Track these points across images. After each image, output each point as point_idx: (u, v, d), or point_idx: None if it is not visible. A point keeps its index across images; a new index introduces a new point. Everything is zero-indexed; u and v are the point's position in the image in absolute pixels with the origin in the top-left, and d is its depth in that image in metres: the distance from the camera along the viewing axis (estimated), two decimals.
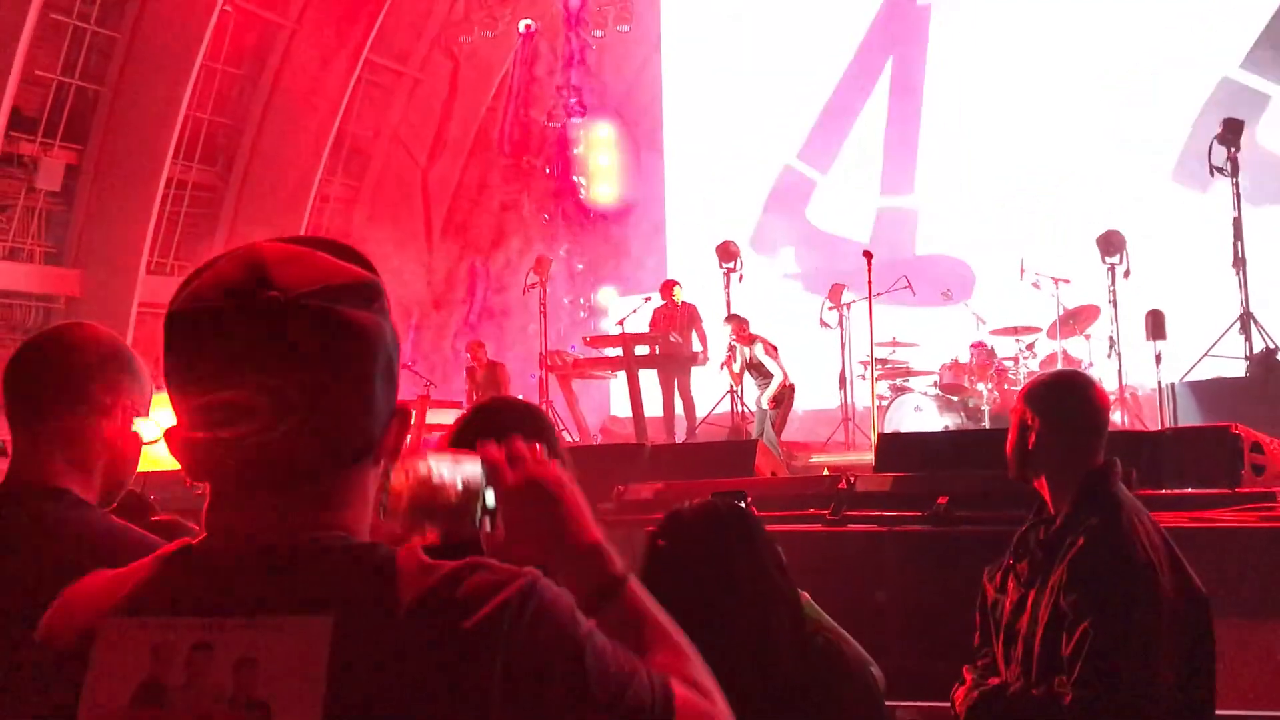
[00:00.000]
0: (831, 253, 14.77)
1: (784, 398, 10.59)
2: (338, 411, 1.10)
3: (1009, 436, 2.82)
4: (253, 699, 1.04)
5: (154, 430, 1.93)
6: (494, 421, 2.53)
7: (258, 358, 1.07)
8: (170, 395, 1.11)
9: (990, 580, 2.84)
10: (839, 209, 15.32)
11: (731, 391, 11.38)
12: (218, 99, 16.01)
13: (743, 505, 2.36)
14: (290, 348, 1.07)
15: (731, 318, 10.98)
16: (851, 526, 4.89)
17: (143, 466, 2.03)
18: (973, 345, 10.70)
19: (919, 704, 3.22)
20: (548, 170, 17.11)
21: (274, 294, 1.07)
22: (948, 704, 2.83)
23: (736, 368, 10.90)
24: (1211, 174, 9.44)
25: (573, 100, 16.61)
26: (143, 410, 1.96)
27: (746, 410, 11.07)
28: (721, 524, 2.23)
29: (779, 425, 10.51)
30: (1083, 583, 2.54)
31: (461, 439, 2.53)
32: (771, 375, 10.59)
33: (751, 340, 10.74)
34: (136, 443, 1.95)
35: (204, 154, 16.15)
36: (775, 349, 10.76)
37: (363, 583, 1.09)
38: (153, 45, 14.55)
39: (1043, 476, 2.79)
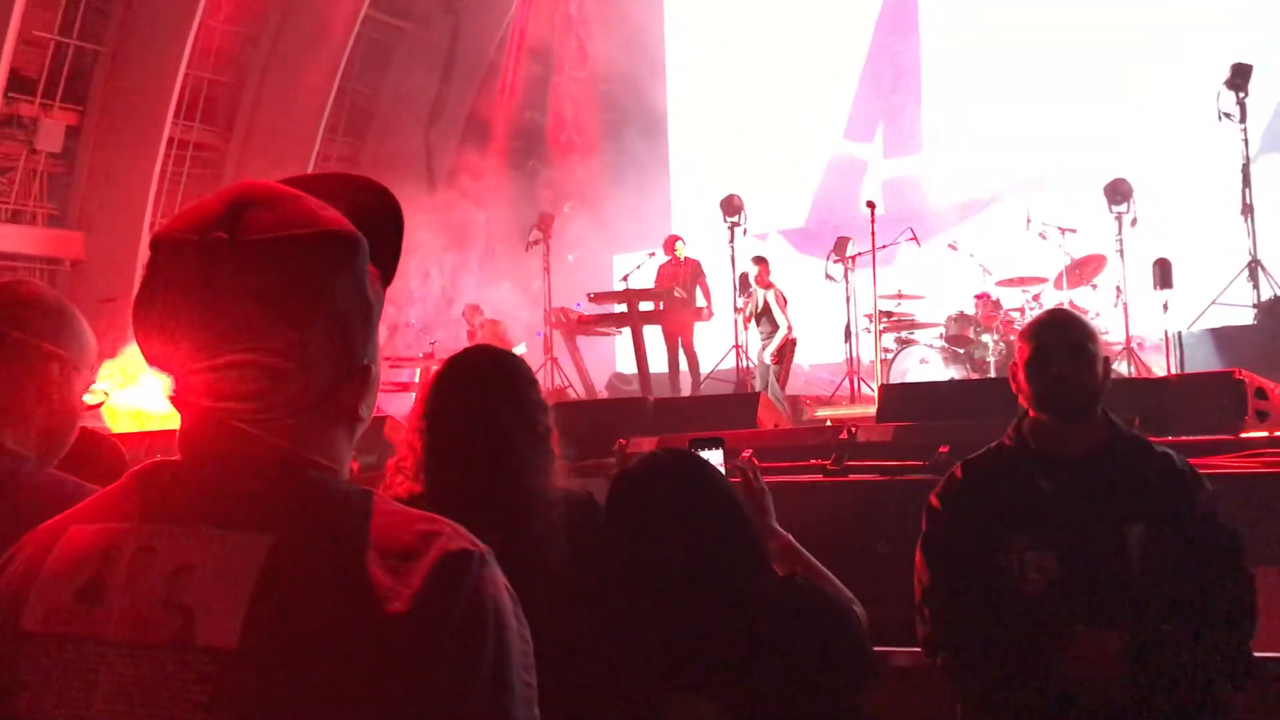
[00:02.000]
0: (837, 210, 14.69)
1: (786, 352, 10.59)
2: (270, 358, 1.10)
3: (1081, 372, 2.64)
4: (181, 604, 1.06)
5: (98, 393, 1.92)
6: (471, 375, 2.51)
7: (197, 294, 1.09)
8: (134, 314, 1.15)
9: (1003, 547, 2.62)
10: (841, 169, 15.20)
11: (736, 346, 11.36)
12: (217, 58, 15.92)
13: (695, 452, 2.32)
14: (223, 289, 1.08)
15: (758, 258, 10.99)
16: (853, 476, 4.87)
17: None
18: (977, 296, 10.63)
19: (917, 650, 3.22)
20: (551, 126, 16.99)
21: (221, 235, 1.09)
22: None
23: (748, 312, 10.92)
24: (1220, 119, 9.34)
25: (575, 54, 16.46)
26: (85, 370, 1.95)
27: (751, 364, 11.05)
28: (665, 475, 2.19)
29: (782, 379, 10.51)
30: (1212, 518, 2.57)
31: (440, 391, 2.51)
32: (777, 326, 10.60)
33: (769, 286, 10.78)
34: (74, 400, 1.94)
35: (205, 114, 16.07)
36: (785, 301, 10.77)
37: (313, 512, 1.11)
38: (151, 4, 14.45)
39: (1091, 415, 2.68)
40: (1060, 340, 2.66)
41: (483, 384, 2.47)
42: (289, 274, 1.10)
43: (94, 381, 1.96)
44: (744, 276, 10.96)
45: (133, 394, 13.01)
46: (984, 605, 2.61)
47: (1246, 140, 9.19)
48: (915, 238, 11.12)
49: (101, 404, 1.94)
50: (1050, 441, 2.68)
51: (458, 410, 2.44)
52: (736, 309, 11.17)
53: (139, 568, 1.09)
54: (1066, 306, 9.92)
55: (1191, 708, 2.48)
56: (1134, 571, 2.51)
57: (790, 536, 2.44)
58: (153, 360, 1.13)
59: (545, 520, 2.36)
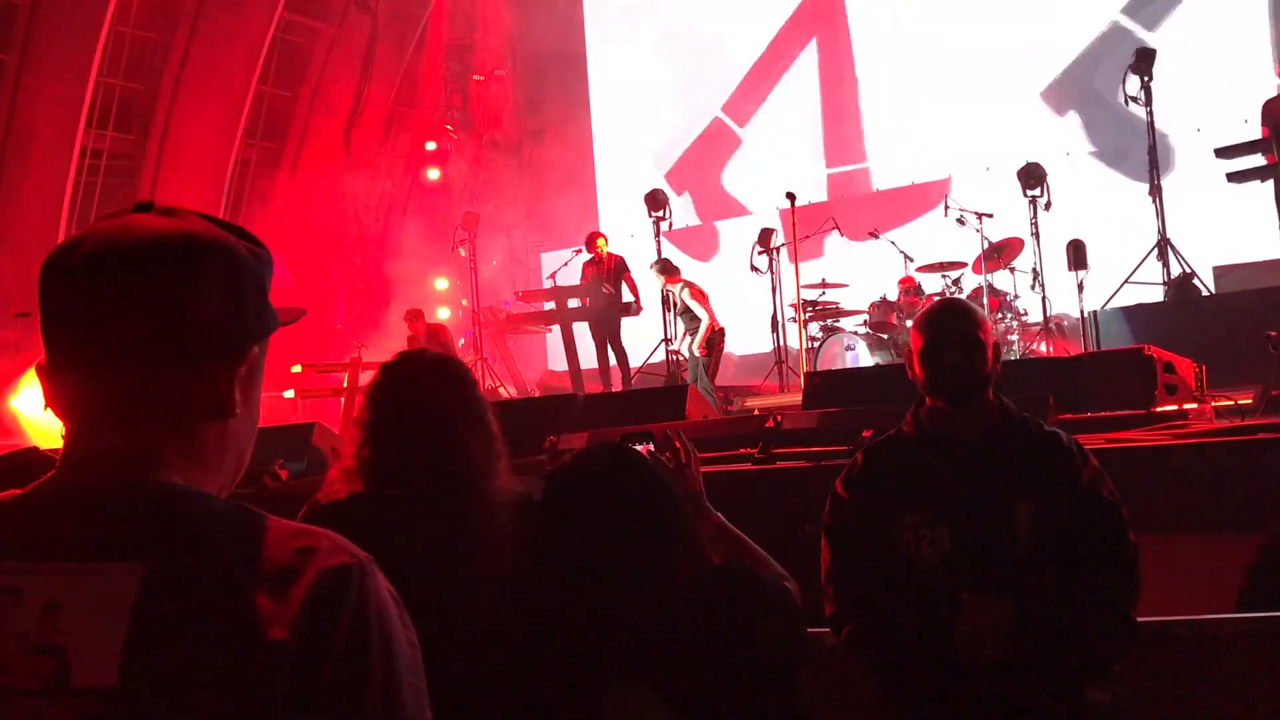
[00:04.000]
0: (760, 202, 14.84)
1: (714, 342, 10.67)
2: (127, 368, 1.10)
3: (968, 357, 2.76)
4: (52, 644, 1.02)
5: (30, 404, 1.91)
6: (415, 378, 2.54)
7: (66, 314, 1.11)
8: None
9: (899, 526, 2.72)
10: (761, 166, 15.34)
11: (665, 340, 11.44)
12: (129, 64, 15.60)
13: (630, 446, 2.35)
14: (83, 307, 1.10)
15: (655, 262, 11.06)
16: (780, 464, 4.94)
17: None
18: (901, 280, 10.83)
19: None
20: (472, 125, 16.91)
21: (80, 255, 1.11)
22: None
23: (672, 314, 10.98)
24: (1126, 103, 9.58)
25: (495, 53, 16.40)
26: None
27: (681, 358, 11.13)
28: (599, 470, 2.21)
29: (711, 371, 10.59)
30: (1095, 493, 2.69)
31: (384, 395, 2.53)
32: (699, 320, 10.67)
33: (679, 283, 10.84)
34: None
35: (118, 121, 15.73)
36: (703, 294, 10.82)
37: (184, 534, 1.07)
38: (57, 11, 14.10)
39: (979, 398, 2.80)
40: (950, 329, 2.80)
41: (428, 387, 2.51)
42: (132, 285, 1.10)
43: None
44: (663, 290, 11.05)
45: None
46: (881, 581, 2.75)
47: (1152, 123, 9.43)
48: (837, 226, 11.29)
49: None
50: (944, 425, 2.81)
51: (404, 413, 2.46)
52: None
53: (4, 610, 1.04)
54: (983, 289, 10.14)
55: (1075, 670, 2.62)
56: (1021, 544, 2.64)
57: (722, 517, 2.50)
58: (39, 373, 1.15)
59: (493, 522, 2.40)
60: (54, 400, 1.13)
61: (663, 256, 11.26)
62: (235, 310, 1.14)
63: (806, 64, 15.29)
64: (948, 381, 2.78)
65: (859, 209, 13.45)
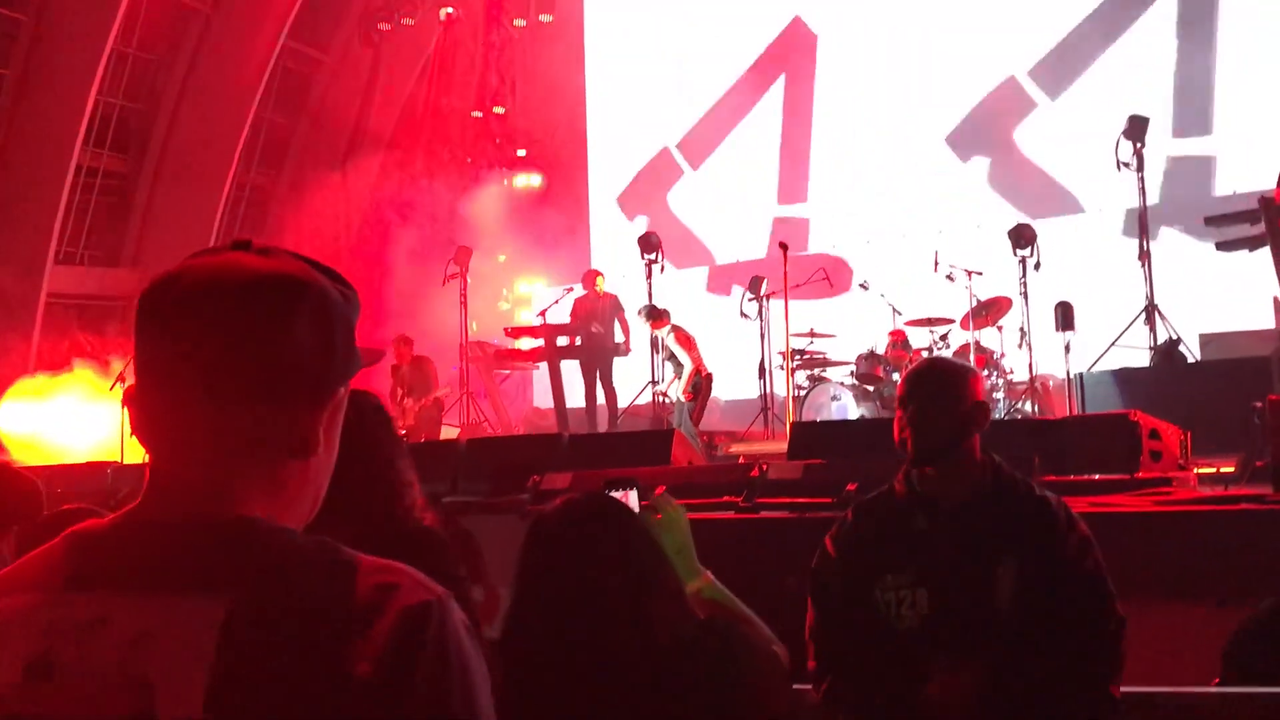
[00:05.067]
0: (747, 249, 14.91)
1: (700, 388, 10.67)
2: (216, 403, 1.11)
3: (927, 419, 2.76)
4: (139, 677, 1.03)
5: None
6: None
7: (161, 347, 1.13)
8: None
9: (880, 585, 2.73)
10: (755, 210, 15.44)
11: (653, 382, 11.44)
12: (130, 84, 15.67)
13: (611, 494, 2.33)
14: (178, 341, 1.11)
15: (642, 308, 11.08)
16: (764, 513, 4.95)
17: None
18: (891, 332, 10.88)
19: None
20: (469, 160, 16.99)
21: (179, 289, 1.12)
22: None
23: (663, 358, 10.99)
24: (1118, 169, 9.69)
25: (494, 90, 16.51)
26: None
27: (667, 401, 11.13)
28: (581, 521, 2.18)
29: (696, 416, 10.59)
30: (1080, 563, 2.66)
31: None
32: (683, 365, 10.68)
33: (666, 327, 10.86)
34: None
35: (115, 141, 15.79)
36: (690, 339, 10.84)
37: (267, 568, 1.08)
38: (61, 28, 14.17)
39: (955, 459, 2.79)
40: (916, 390, 2.81)
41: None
42: (227, 320, 1.11)
43: None
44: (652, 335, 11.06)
45: (37, 421, 12.67)
46: (861, 640, 2.74)
47: (1144, 189, 9.54)
48: (828, 278, 11.35)
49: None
50: (932, 485, 2.80)
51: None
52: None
53: (90, 642, 1.05)
54: (970, 347, 10.18)
55: None
56: (1000, 610, 2.62)
57: (710, 574, 2.46)
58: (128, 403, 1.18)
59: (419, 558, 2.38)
60: (140, 428, 1.15)
61: (651, 302, 11.29)
62: (325, 351, 1.16)
63: (771, 105, 15.41)
64: (908, 439, 2.78)
65: (849, 259, 13.54)
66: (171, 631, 1.04)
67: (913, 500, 2.81)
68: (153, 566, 1.07)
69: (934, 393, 2.78)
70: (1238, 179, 11.31)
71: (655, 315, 10.95)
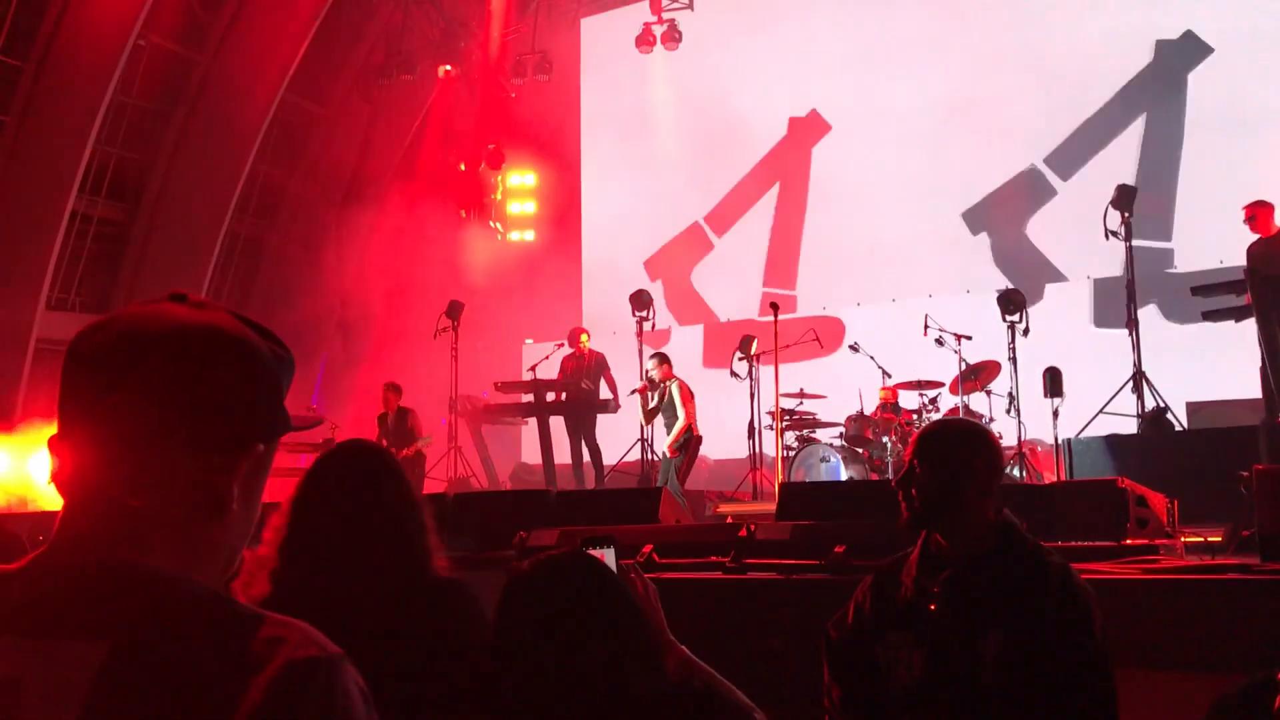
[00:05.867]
0: (743, 308, 15.00)
1: (688, 445, 10.65)
2: (130, 450, 1.11)
3: (928, 479, 2.78)
4: None
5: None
6: (344, 469, 2.54)
7: (79, 392, 1.13)
8: None
9: (883, 644, 2.76)
10: (745, 268, 15.56)
11: (642, 440, 11.42)
12: (128, 133, 15.76)
13: (588, 552, 2.32)
14: (96, 386, 1.11)
15: (657, 354, 11.09)
16: (751, 574, 4.92)
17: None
18: (881, 394, 10.92)
19: None
20: (464, 215, 17.09)
21: (102, 335, 1.13)
22: None
23: (651, 405, 10.94)
24: (1106, 238, 9.78)
25: (490, 147, 16.65)
26: None
27: (655, 458, 11.11)
28: (559, 579, 2.16)
29: (683, 474, 10.56)
30: (1073, 632, 2.63)
31: (302, 491, 2.53)
32: (678, 418, 10.68)
33: (672, 378, 10.88)
34: None
35: (112, 189, 15.85)
36: (690, 396, 10.85)
37: (152, 616, 1.06)
38: (61, 76, 14.28)
39: (956, 521, 2.79)
40: (917, 448, 2.86)
41: (342, 486, 2.50)
42: (146, 374, 1.11)
43: None
44: (647, 375, 11.04)
45: (24, 468, 12.58)
46: (863, 696, 2.78)
47: (1131, 257, 9.63)
48: (818, 339, 11.40)
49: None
50: (938, 547, 2.82)
51: (313, 512, 2.46)
52: (633, 391, 11.20)
53: None
54: (959, 411, 10.21)
55: None
56: (989, 674, 2.60)
57: (686, 650, 2.41)
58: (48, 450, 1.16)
59: (409, 619, 2.38)
60: (56, 474, 1.14)
61: (662, 350, 11.35)
62: (245, 406, 1.15)
63: (795, 173, 15.58)
64: (900, 500, 2.82)
65: (840, 321, 13.62)
66: (44, 676, 1.02)
67: (924, 560, 2.84)
68: (36, 612, 1.06)
69: (929, 452, 2.82)
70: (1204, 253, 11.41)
71: (665, 362, 10.97)
